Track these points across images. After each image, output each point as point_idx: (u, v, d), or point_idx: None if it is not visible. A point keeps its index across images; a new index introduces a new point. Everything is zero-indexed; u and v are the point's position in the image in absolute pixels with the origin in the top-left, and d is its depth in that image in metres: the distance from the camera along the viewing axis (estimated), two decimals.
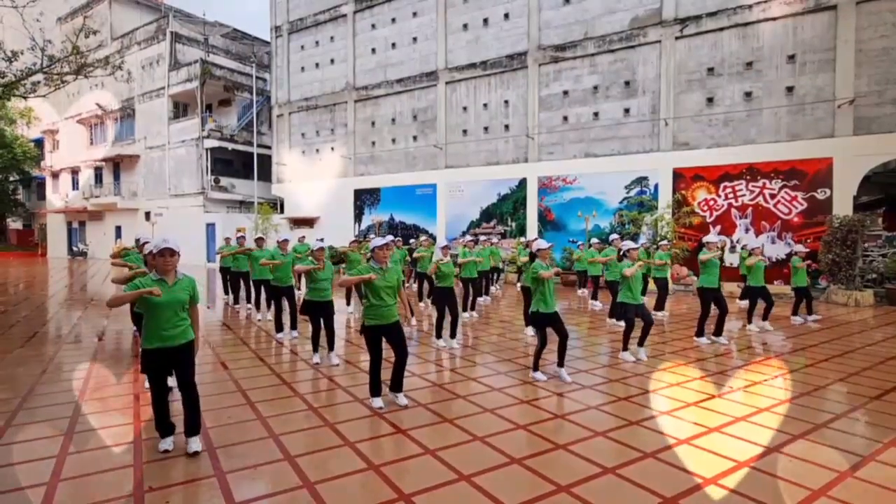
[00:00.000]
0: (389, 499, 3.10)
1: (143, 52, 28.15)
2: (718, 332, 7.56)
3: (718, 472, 3.44)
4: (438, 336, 7.33)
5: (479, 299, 11.56)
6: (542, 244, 5.86)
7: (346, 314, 10.09)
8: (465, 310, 9.75)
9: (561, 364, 5.72)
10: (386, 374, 4.95)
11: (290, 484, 3.27)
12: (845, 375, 5.80)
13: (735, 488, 3.22)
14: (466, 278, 9.66)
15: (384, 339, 4.72)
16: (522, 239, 16.11)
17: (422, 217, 19.21)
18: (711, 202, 13.84)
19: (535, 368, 5.72)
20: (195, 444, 3.69)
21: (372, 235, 17.14)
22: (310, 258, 6.54)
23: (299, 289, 10.13)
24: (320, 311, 6.26)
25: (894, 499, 3.14)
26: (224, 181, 26.08)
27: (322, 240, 6.88)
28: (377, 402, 4.66)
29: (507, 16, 17.03)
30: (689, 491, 3.19)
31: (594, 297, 11.39)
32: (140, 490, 3.18)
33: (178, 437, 3.85)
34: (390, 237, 4.97)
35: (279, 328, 7.77)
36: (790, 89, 12.80)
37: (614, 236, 10.18)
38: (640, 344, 6.59)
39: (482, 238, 11.97)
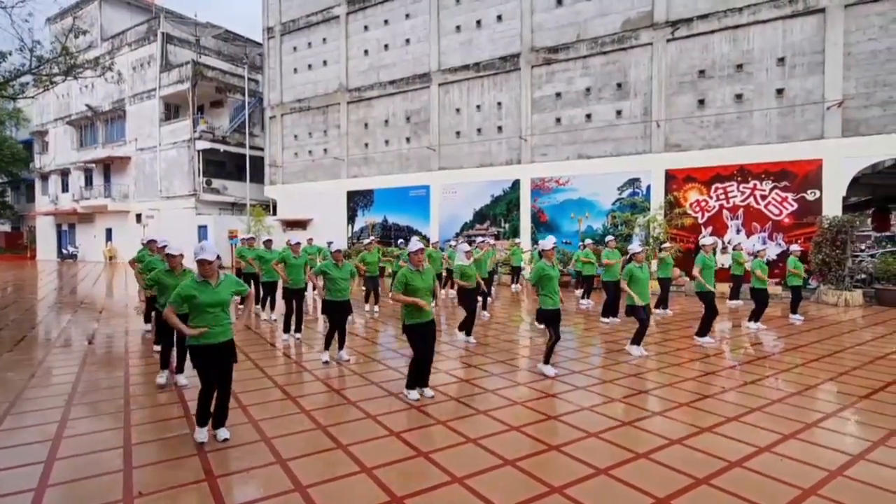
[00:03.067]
0: (382, 501, 3.08)
1: (133, 53, 27.95)
2: (704, 332, 7.65)
3: (711, 471, 3.45)
4: (461, 329, 7.69)
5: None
6: (547, 244, 6.02)
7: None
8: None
9: (546, 361, 5.97)
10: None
11: (282, 487, 3.25)
12: (835, 375, 5.85)
13: (727, 488, 3.23)
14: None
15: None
16: (517, 240, 16.15)
17: (415, 219, 19.19)
18: (703, 203, 13.94)
19: (546, 362, 5.90)
20: (224, 432, 3.98)
21: (372, 237, 17.09)
22: (328, 261, 6.67)
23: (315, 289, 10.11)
24: (340, 311, 6.40)
25: (884, 497, 3.17)
26: (216, 183, 25.94)
27: (331, 242, 7.00)
28: (413, 395, 4.92)
29: (499, 18, 17.07)
30: (682, 491, 3.20)
31: (587, 296, 11.44)
32: (130, 495, 3.14)
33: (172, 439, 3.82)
34: (419, 243, 5.14)
35: (287, 329, 7.77)
36: (780, 91, 12.92)
37: (609, 238, 10.21)
38: (633, 343, 6.83)
39: (483, 240, 12.09)
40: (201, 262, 3.84)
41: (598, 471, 3.47)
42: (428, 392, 5.05)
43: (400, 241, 15.02)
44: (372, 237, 12.17)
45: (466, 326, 7.66)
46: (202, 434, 3.89)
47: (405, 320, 4.91)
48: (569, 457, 3.70)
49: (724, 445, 3.88)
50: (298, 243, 8.12)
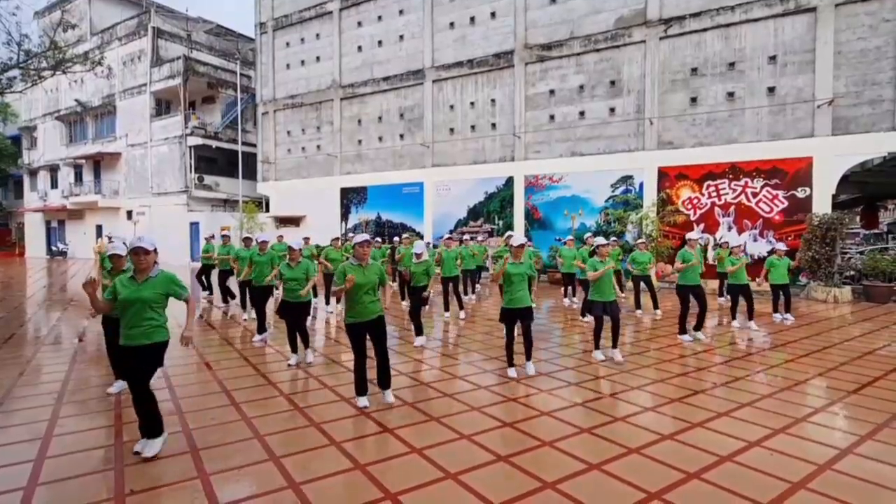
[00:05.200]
0: (376, 498, 3.08)
1: (124, 47, 27.64)
2: (698, 326, 7.64)
3: (701, 466, 3.48)
4: (418, 334, 7.32)
5: (465, 297, 11.57)
6: (515, 241, 5.71)
7: (325, 312, 10.03)
8: (447, 309, 9.76)
9: (528, 358, 5.82)
10: (372, 373, 4.94)
11: (275, 485, 3.24)
12: (824, 370, 5.92)
13: (718, 482, 3.27)
14: (447, 277, 9.66)
15: (367, 337, 4.71)
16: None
17: (409, 216, 19.16)
18: (695, 200, 14.02)
19: (510, 364, 5.76)
20: (148, 447, 3.57)
21: (351, 234, 17.13)
22: (286, 259, 6.45)
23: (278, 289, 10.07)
24: (292, 312, 6.19)
25: (872, 491, 3.21)
26: (208, 179, 25.75)
27: (307, 238, 6.80)
28: (362, 402, 4.64)
29: (493, 14, 17.05)
30: (673, 485, 3.23)
31: (573, 294, 11.42)
32: (121, 493, 3.12)
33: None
34: (366, 235, 4.87)
35: (261, 329, 7.70)
36: (771, 90, 13.01)
37: (588, 235, 10.14)
38: (614, 346, 6.46)
39: (466, 238, 11.91)
40: (135, 251, 3.60)
41: (591, 466, 3.49)
42: (388, 397, 4.76)
43: (395, 238, 14.96)
44: (339, 235, 12.09)
45: (415, 328, 7.32)
46: (140, 445, 3.66)
47: (346, 318, 4.63)
48: (561, 452, 3.72)
49: (715, 440, 3.92)
50: (266, 241, 8.07)
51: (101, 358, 6.60)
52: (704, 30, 13.73)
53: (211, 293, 11.89)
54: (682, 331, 7.56)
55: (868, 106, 12.00)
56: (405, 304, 10.98)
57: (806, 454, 3.68)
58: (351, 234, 15.73)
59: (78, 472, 3.41)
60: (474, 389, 5.22)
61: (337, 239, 10.83)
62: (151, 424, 3.62)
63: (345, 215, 20.95)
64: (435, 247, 14.33)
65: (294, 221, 22.00)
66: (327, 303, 10.38)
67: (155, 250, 3.71)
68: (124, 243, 5.07)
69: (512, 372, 5.68)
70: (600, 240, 6.67)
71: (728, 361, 6.40)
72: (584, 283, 9.32)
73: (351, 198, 20.77)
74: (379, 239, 16.60)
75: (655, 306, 9.87)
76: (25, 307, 11.29)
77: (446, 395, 5.05)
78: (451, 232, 17.58)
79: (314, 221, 21.40)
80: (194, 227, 24.33)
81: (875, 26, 11.89)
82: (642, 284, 10.06)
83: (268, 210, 23.44)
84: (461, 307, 9.78)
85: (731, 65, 13.46)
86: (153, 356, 3.67)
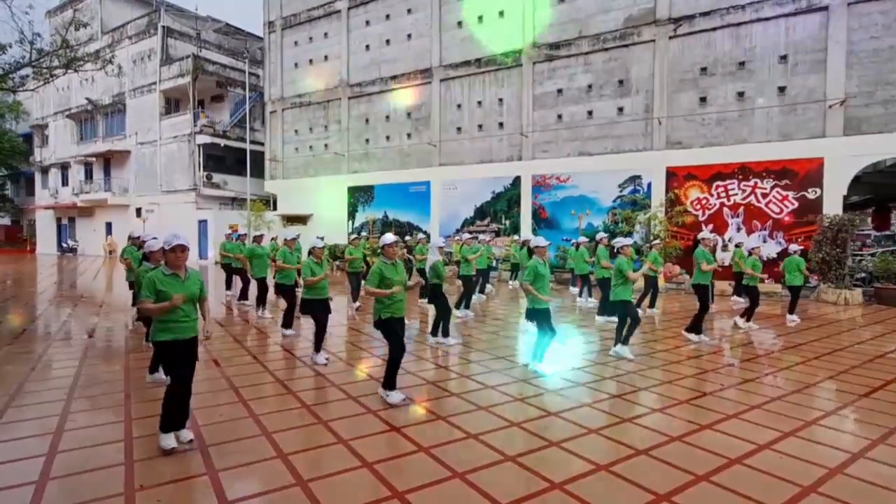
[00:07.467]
0: (383, 496, 3.09)
1: (134, 46, 27.88)
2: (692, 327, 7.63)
3: (710, 468, 3.46)
4: (434, 333, 7.31)
5: (474, 297, 11.55)
6: (541, 241, 5.93)
7: (352, 310, 10.07)
8: (457, 307, 9.73)
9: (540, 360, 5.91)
10: (377, 372, 4.95)
11: (283, 482, 3.25)
12: (835, 373, 5.87)
13: (727, 485, 3.24)
14: (465, 276, 9.65)
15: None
16: (516, 237, 16.13)
17: (416, 215, 19.17)
18: (704, 201, 13.92)
19: (540, 360, 5.84)
20: (188, 433, 3.80)
21: (365, 234, 17.16)
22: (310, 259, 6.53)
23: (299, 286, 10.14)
24: (319, 309, 6.26)
25: (882, 495, 3.18)
26: (216, 177, 25.90)
27: (322, 238, 6.84)
28: (397, 397, 4.69)
29: (501, 13, 17.01)
30: (682, 487, 3.21)
31: (586, 294, 11.38)
32: (131, 489, 3.15)
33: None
34: (393, 236, 5.01)
35: (286, 325, 7.74)
36: (782, 89, 12.89)
37: (601, 235, 10.10)
38: (625, 343, 6.58)
39: (481, 237, 11.89)
40: (177, 249, 3.64)
41: (599, 467, 3.48)
42: (395, 396, 4.76)
43: (407, 237, 14.95)
44: (361, 233, 12.23)
45: (433, 327, 7.28)
46: (170, 440, 3.65)
47: (380, 315, 4.78)
48: (569, 453, 3.71)
49: (724, 442, 3.89)
50: (295, 239, 8.04)
51: (112, 354, 6.68)
52: (714, 29, 13.62)
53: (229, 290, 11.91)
54: (692, 329, 7.52)
55: (881, 106, 11.85)
56: (421, 301, 10.94)
57: (816, 457, 3.65)
58: (364, 234, 15.82)
59: (89, 467, 3.44)
60: (481, 389, 5.21)
61: (357, 238, 10.92)
62: (188, 412, 3.88)
63: (352, 214, 21.00)
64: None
65: (301, 220, 22.08)
66: (355, 300, 10.37)
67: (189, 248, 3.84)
68: (154, 239, 5.14)
69: (542, 368, 5.78)
70: (621, 240, 6.77)
71: (738, 363, 6.36)
72: (601, 283, 9.31)
73: (358, 196, 20.82)
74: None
75: (639, 304, 9.97)
76: (36, 303, 11.41)
77: (453, 394, 5.05)
78: (457, 231, 17.57)
79: (321, 220, 21.47)
80: (202, 224, 24.48)
81: (888, 25, 11.74)
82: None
83: (275, 208, 23.54)
84: (467, 306, 9.78)
85: (741, 64, 13.34)
86: (196, 347, 3.87)
